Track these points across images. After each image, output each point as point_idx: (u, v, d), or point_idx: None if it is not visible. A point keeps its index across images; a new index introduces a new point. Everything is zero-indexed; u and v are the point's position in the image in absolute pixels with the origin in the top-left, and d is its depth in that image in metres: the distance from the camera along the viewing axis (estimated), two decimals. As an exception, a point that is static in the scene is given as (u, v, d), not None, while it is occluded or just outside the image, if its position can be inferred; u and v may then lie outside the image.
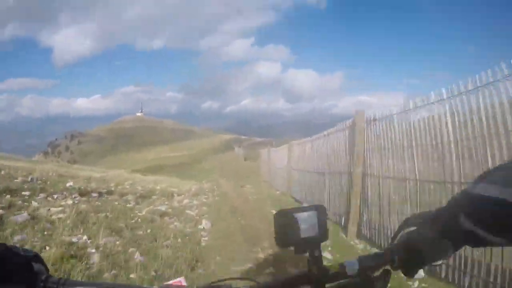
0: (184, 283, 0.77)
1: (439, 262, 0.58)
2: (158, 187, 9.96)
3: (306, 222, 0.59)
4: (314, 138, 7.15)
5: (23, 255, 0.54)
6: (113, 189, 7.78)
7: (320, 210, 0.61)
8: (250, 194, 9.90)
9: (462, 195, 0.54)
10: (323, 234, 0.60)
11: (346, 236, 4.68)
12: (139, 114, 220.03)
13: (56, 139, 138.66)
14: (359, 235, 4.60)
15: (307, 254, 0.59)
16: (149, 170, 34.77)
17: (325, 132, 6.26)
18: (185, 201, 7.63)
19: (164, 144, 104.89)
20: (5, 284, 0.52)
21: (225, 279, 0.63)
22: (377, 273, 0.60)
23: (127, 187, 9.14)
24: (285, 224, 0.58)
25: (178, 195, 8.58)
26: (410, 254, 0.58)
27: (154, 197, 7.67)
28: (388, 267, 0.60)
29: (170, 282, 0.76)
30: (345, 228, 4.87)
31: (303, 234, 0.58)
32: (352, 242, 4.49)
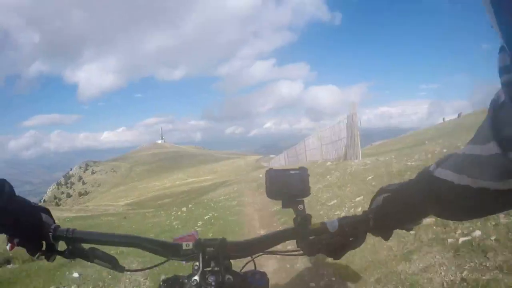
0: (196, 236, 0.76)
1: (409, 227, 0.63)
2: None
3: (291, 180, 0.67)
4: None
5: (34, 206, 0.65)
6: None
7: (303, 171, 0.68)
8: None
9: (425, 174, 0.55)
10: (305, 190, 0.68)
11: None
12: (159, 141, 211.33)
13: (71, 169, 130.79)
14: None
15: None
16: (142, 204, 24.29)
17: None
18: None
19: (184, 169, 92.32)
20: (18, 231, 0.61)
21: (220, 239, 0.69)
22: (355, 233, 0.66)
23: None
24: (274, 181, 0.67)
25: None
26: (382, 217, 0.63)
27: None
28: (364, 228, 0.66)
29: (184, 234, 0.77)
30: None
31: (289, 190, 0.67)
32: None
